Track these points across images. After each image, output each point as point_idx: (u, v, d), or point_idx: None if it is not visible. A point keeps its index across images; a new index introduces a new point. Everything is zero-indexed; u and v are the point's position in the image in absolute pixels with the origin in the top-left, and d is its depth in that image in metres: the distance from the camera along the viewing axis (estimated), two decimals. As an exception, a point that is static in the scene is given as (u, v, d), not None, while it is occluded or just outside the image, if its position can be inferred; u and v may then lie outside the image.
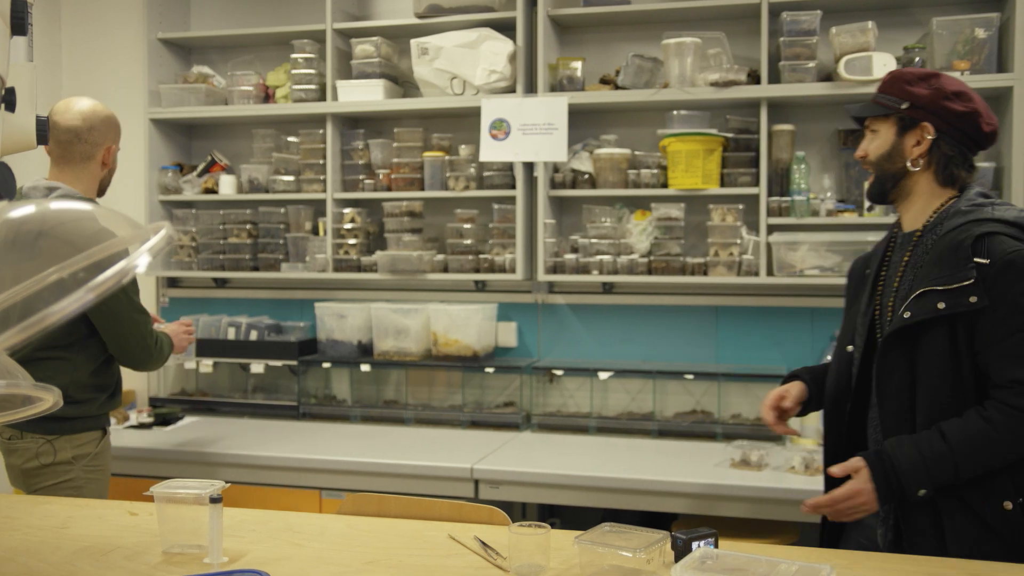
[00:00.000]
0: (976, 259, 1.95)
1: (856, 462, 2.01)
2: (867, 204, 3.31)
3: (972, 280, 1.94)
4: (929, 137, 2.07)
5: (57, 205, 1.58)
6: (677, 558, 1.73)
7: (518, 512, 3.48)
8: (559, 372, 3.66)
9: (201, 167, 4.07)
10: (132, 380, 3.97)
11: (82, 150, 2.69)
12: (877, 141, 2.14)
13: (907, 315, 2.00)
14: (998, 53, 3.20)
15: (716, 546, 1.79)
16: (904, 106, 2.08)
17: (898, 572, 1.76)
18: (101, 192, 2.83)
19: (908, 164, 2.09)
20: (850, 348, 2.22)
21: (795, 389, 2.34)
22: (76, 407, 2.64)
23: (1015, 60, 3.10)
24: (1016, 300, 1.93)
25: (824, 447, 2.26)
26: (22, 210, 1.26)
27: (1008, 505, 1.94)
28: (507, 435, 3.51)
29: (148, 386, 4.11)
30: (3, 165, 1.67)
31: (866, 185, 3.32)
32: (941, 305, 1.96)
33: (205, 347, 3.93)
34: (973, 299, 1.93)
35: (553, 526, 1.81)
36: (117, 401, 2.82)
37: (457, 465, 3.09)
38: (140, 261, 1.11)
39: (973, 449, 1.93)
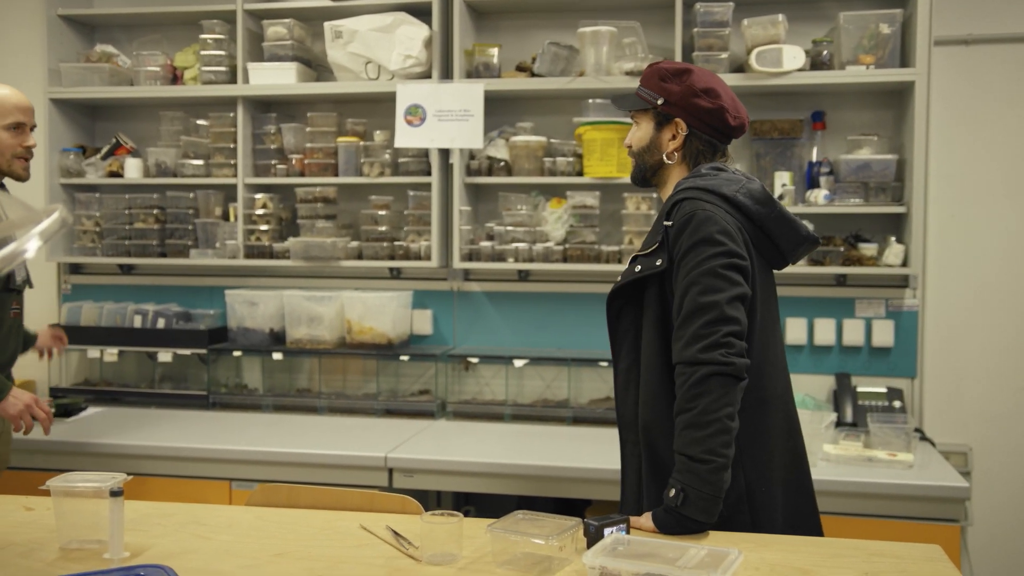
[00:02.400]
0: (665, 223, 2.04)
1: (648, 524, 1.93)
2: (776, 194, 3.38)
3: (659, 243, 2.03)
4: (683, 133, 2.14)
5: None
6: (589, 544, 1.74)
7: (433, 501, 3.47)
8: (474, 360, 3.65)
9: (105, 150, 3.93)
10: (32, 370, 3.83)
11: None
12: (639, 133, 2.21)
13: (619, 279, 2.11)
14: (901, 48, 3.29)
15: (628, 532, 1.80)
16: (660, 102, 2.14)
17: (803, 553, 1.80)
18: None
19: (664, 157, 2.17)
20: None
21: None
22: None
23: (917, 55, 3.20)
24: (681, 260, 1.97)
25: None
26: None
27: None
28: (422, 423, 3.49)
29: (49, 376, 3.96)
30: None
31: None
32: (638, 268, 2.07)
33: (110, 336, 3.80)
34: (659, 262, 2.02)
35: (468, 514, 1.80)
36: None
37: (371, 454, 3.05)
38: (29, 245, 1.06)
39: (701, 437, 1.87)
